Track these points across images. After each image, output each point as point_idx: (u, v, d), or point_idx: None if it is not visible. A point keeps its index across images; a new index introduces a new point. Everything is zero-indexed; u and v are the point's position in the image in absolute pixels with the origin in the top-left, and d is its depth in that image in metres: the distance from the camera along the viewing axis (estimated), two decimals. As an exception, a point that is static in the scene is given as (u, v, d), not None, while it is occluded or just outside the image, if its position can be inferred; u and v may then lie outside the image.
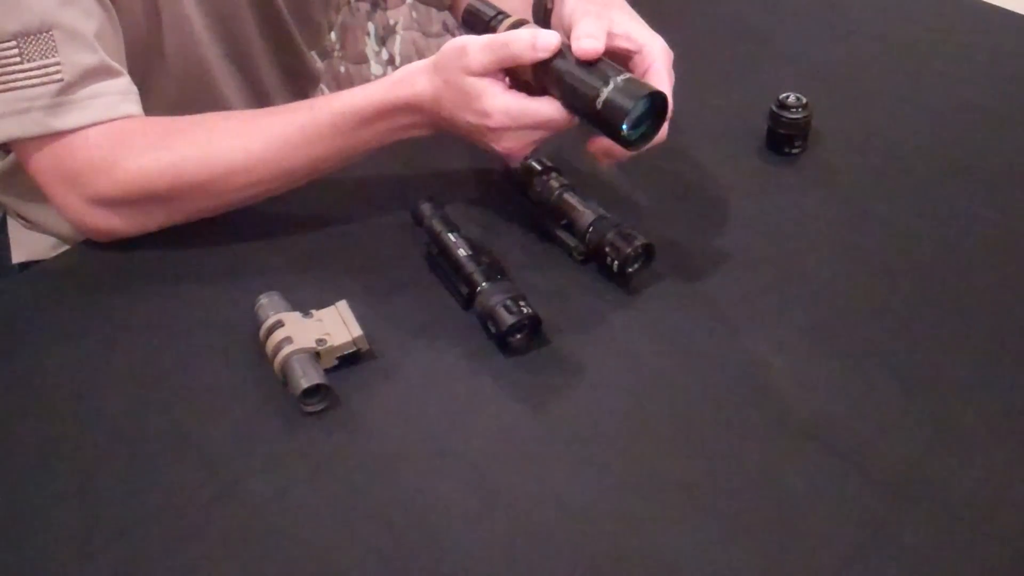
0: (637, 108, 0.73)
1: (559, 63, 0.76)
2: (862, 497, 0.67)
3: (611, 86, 0.73)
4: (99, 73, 0.81)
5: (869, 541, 0.64)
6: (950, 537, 0.64)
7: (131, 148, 0.82)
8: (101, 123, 0.81)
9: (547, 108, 0.77)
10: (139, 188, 0.82)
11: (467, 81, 0.76)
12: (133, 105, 0.84)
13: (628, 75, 0.74)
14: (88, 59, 0.80)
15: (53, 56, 0.79)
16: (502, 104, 0.76)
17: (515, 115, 0.77)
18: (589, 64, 0.75)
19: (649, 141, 0.76)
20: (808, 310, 0.81)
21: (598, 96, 0.73)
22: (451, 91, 0.77)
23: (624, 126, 0.73)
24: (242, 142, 0.83)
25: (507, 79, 0.78)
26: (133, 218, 0.85)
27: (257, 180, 0.84)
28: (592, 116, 0.75)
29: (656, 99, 0.74)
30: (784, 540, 0.65)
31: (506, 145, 0.79)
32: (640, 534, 0.65)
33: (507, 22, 0.82)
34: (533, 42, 0.75)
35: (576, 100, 0.75)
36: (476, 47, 0.76)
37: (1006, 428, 0.71)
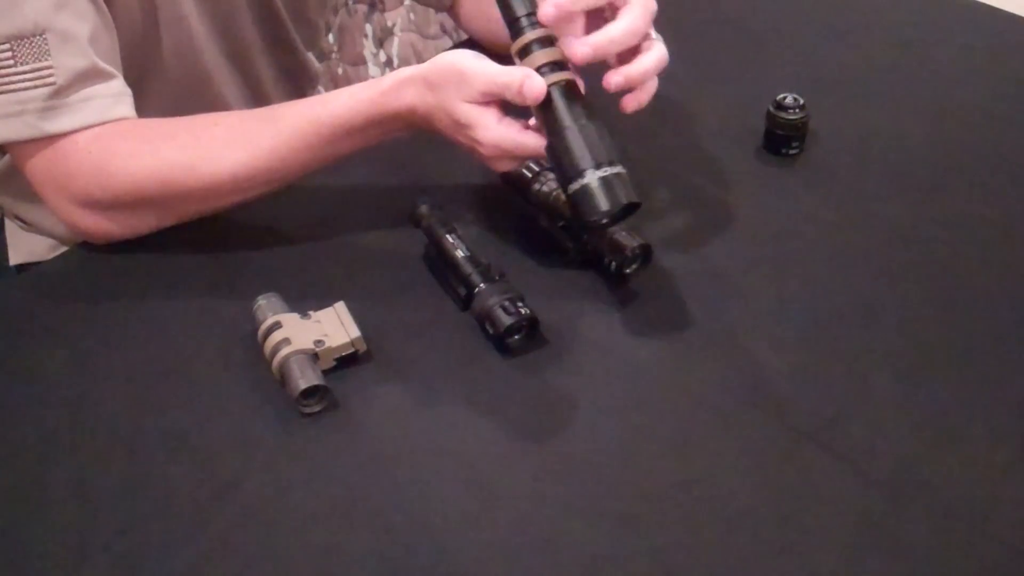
0: (611, 211, 0.73)
1: (558, 108, 0.74)
2: (860, 497, 0.67)
3: (595, 176, 0.72)
4: (92, 76, 0.81)
5: (867, 541, 0.64)
6: (948, 537, 0.64)
7: (120, 152, 0.82)
8: (92, 126, 0.81)
9: (539, 144, 0.77)
10: (128, 193, 0.82)
11: (461, 108, 0.76)
12: (126, 108, 0.83)
13: (617, 170, 0.73)
14: (81, 62, 0.80)
15: (46, 59, 0.78)
16: (494, 137, 0.77)
17: (507, 149, 0.77)
18: (588, 132, 0.73)
19: (614, 224, 0.77)
20: (806, 310, 0.81)
21: (578, 179, 0.72)
22: (445, 115, 0.78)
23: (591, 219, 0.73)
24: (230, 152, 0.82)
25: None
26: (124, 221, 0.85)
27: (246, 188, 0.84)
28: (565, 191, 0.74)
29: (631, 208, 0.74)
30: (782, 540, 0.65)
31: (496, 166, 0.81)
32: (639, 534, 0.65)
33: (533, 34, 0.76)
34: (520, 88, 0.74)
35: (556, 165, 0.75)
36: (478, 79, 0.75)
37: (1004, 428, 0.71)
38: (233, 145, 0.83)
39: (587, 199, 0.72)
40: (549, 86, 0.75)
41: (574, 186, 0.73)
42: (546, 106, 0.75)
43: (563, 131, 0.74)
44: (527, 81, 0.74)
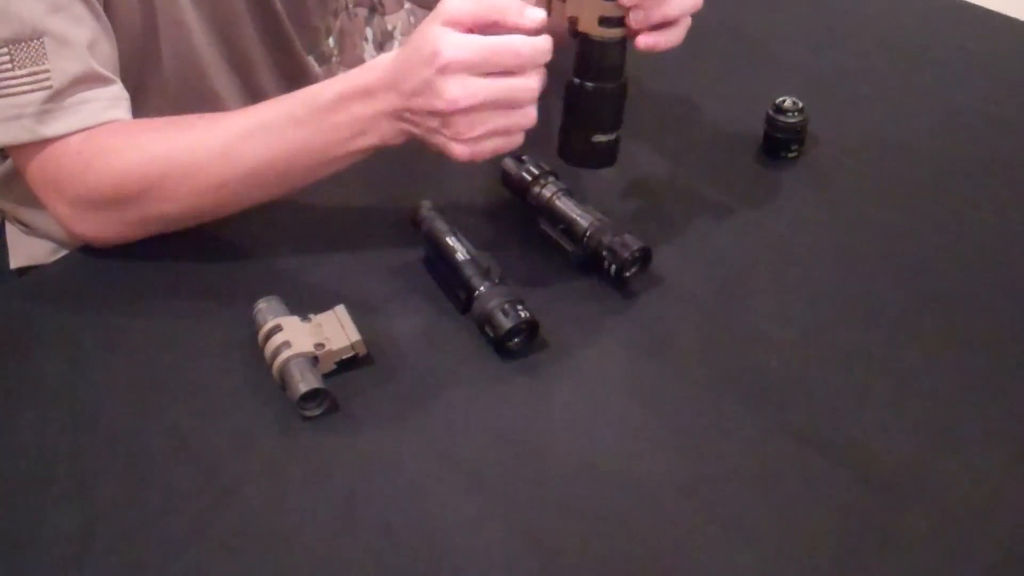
0: (591, 168, 0.81)
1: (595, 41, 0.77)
2: (859, 499, 0.67)
3: (600, 139, 0.79)
4: (88, 80, 0.81)
5: (866, 543, 0.64)
6: (947, 539, 0.64)
7: (105, 150, 0.82)
8: (86, 129, 0.81)
9: (515, 40, 0.71)
10: (111, 189, 0.82)
11: (431, 29, 0.71)
12: (121, 111, 0.83)
13: (613, 137, 0.80)
14: (78, 66, 0.80)
15: (43, 63, 0.79)
16: (458, 39, 0.70)
17: (474, 49, 0.70)
18: (616, 97, 0.78)
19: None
20: (805, 313, 0.81)
21: (591, 136, 0.79)
22: (408, 51, 0.73)
23: (572, 164, 0.81)
24: (202, 139, 0.81)
25: None
26: (110, 221, 0.84)
27: (220, 179, 0.81)
28: (570, 130, 0.80)
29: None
30: (781, 542, 0.65)
31: (458, 131, 0.73)
32: (639, 537, 0.65)
33: None
34: (522, 9, 0.72)
35: (572, 108, 0.79)
36: None
37: (1003, 430, 0.71)
38: (207, 131, 0.82)
39: (583, 155, 0.81)
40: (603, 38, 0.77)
41: (590, 139, 0.79)
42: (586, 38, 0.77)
43: (590, 88, 0.78)
44: (528, 6, 0.72)
